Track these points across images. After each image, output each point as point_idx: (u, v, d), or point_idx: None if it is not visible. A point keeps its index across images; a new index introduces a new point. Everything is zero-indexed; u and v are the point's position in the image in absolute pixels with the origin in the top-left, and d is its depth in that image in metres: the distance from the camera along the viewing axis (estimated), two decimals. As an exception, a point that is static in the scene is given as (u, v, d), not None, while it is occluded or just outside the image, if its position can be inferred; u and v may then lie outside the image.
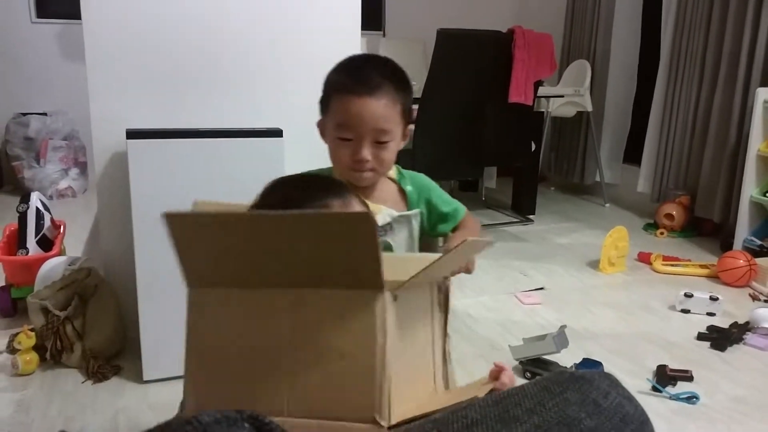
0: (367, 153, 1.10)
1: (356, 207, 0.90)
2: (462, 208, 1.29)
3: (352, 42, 1.84)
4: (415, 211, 1.22)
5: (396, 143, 1.14)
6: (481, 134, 2.98)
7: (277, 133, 1.64)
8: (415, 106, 2.80)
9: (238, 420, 0.33)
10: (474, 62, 2.90)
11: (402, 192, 1.23)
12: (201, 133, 1.59)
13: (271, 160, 1.62)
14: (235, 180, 1.49)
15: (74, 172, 4.07)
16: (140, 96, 1.69)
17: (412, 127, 1.26)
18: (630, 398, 0.62)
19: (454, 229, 1.27)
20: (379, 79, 1.10)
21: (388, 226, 1.18)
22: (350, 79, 1.10)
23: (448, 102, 2.87)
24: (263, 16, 1.77)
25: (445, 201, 1.27)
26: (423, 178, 1.29)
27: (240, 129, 1.66)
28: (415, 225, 1.21)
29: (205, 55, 1.73)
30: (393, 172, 1.23)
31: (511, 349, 1.78)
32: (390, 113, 1.10)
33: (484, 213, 3.69)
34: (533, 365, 1.74)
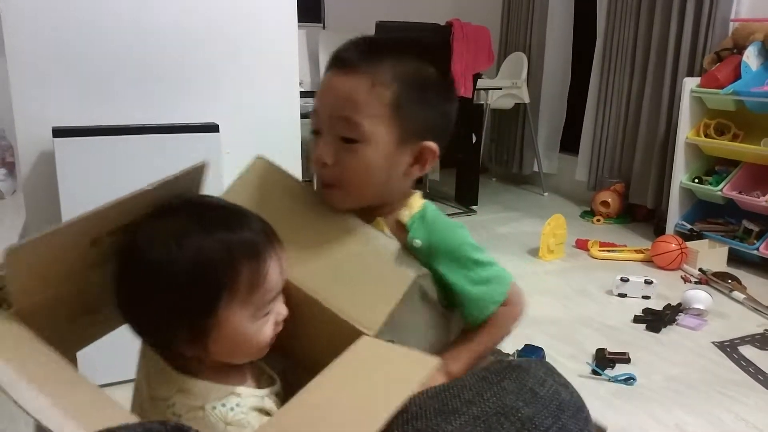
0: (324, 152, 0.79)
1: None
2: (496, 298, 0.85)
3: (288, 34, 1.81)
4: (423, 270, 0.82)
5: (378, 152, 0.78)
6: (422, 127, 2.99)
7: (212, 128, 1.60)
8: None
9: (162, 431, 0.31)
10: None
11: (405, 243, 0.82)
12: (132, 129, 1.54)
13: (207, 156, 1.57)
14: (170, 178, 1.44)
15: (1, 172, 3.88)
16: (67, 92, 1.61)
17: (433, 147, 0.82)
18: (566, 385, 0.63)
19: (473, 325, 0.86)
20: (369, 54, 0.80)
21: None
22: (333, 54, 0.82)
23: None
24: (195, 8, 1.72)
25: (476, 280, 0.83)
26: (447, 232, 0.84)
27: (173, 125, 1.61)
28: (428, 288, 0.83)
29: (135, 49, 1.66)
30: (405, 213, 0.84)
31: (456, 339, 1.80)
32: (364, 99, 0.77)
33: (428, 205, 3.71)
34: (477, 354, 1.76)
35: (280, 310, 0.71)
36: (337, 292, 0.73)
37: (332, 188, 0.80)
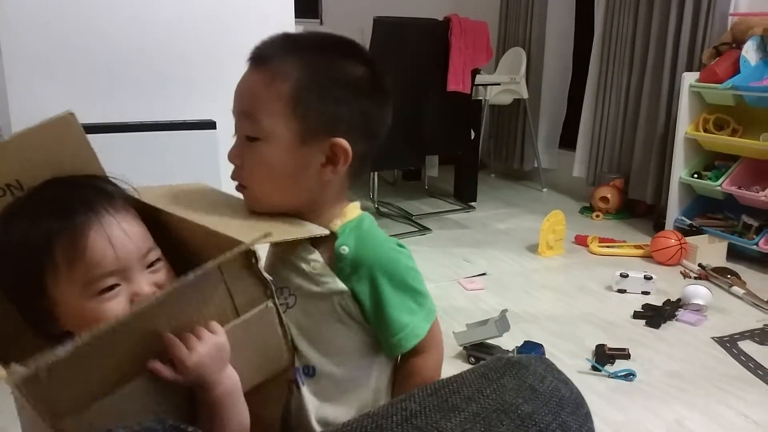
0: (233, 152, 0.78)
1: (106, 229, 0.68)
2: (418, 332, 0.79)
3: (285, 30, 1.80)
4: (340, 286, 0.77)
5: (278, 149, 0.75)
6: (421, 123, 2.98)
7: (209, 125, 1.60)
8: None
9: (159, 431, 0.31)
10: (412, 51, 2.90)
11: (333, 252, 0.78)
12: (129, 127, 1.53)
13: (205, 153, 1.57)
14: (168, 175, 1.43)
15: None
16: (63, 89, 1.60)
17: (343, 144, 0.76)
18: (566, 381, 0.63)
19: (399, 367, 0.83)
20: (281, 49, 0.78)
21: (288, 294, 0.80)
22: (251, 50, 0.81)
23: (387, 91, 2.85)
24: (192, 5, 1.71)
25: (402, 306, 0.78)
26: (384, 248, 0.80)
27: (171, 122, 1.60)
28: (348, 307, 0.78)
29: (132, 46, 1.66)
30: (336, 222, 0.80)
31: (455, 336, 1.80)
32: (264, 95, 0.75)
33: (428, 201, 3.71)
34: (477, 350, 1.76)
35: (137, 288, 0.69)
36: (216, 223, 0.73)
37: (243, 189, 0.79)
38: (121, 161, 1.50)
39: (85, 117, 1.60)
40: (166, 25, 1.69)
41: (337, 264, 0.77)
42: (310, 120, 0.75)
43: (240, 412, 0.68)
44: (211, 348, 0.65)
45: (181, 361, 0.63)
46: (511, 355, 0.67)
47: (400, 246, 0.82)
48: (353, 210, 0.82)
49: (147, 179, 1.55)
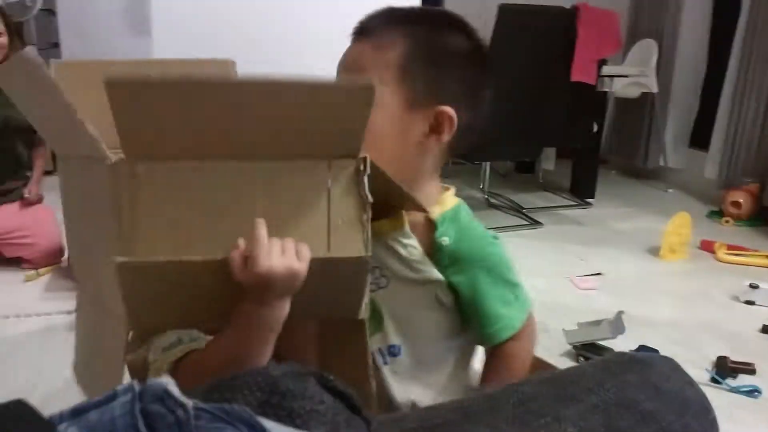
0: None
1: None
2: (514, 324, 0.81)
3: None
4: (438, 276, 0.78)
5: (384, 116, 0.73)
6: (541, 114, 2.91)
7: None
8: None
9: (305, 375, 0.34)
10: (536, 39, 2.83)
11: (432, 241, 0.79)
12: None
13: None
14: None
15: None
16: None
17: (449, 112, 0.76)
18: (691, 383, 0.61)
19: (485, 344, 0.84)
20: (385, 21, 0.78)
21: (379, 274, 0.79)
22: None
23: (507, 79, 2.81)
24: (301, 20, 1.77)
25: (499, 298, 0.80)
26: (483, 242, 0.81)
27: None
28: (442, 296, 0.80)
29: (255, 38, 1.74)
30: (435, 209, 0.79)
31: (565, 333, 1.76)
32: (369, 62, 0.75)
33: (541, 195, 3.62)
34: (587, 350, 1.71)
35: None
36: None
37: None
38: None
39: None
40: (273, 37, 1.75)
41: (435, 253, 0.78)
42: (417, 87, 0.75)
43: (265, 352, 0.63)
44: (288, 268, 0.61)
45: (254, 259, 0.60)
46: (633, 352, 0.65)
47: (495, 238, 0.83)
48: (450, 198, 0.83)
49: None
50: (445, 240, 0.78)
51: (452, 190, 0.84)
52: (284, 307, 0.63)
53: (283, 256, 0.60)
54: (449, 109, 0.77)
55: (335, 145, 0.64)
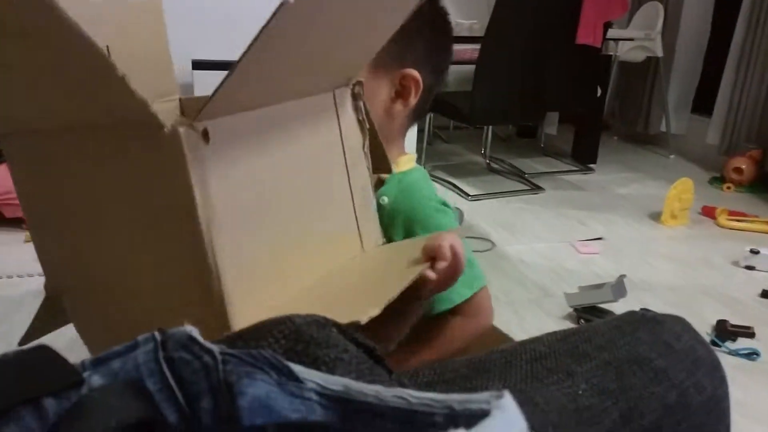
0: None
1: None
2: (452, 297, 0.76)
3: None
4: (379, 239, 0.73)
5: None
6: (545, 77, 2.88)
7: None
8: (477, 46, 2.73)
9: (326, 324, 0.34)
10: (541, 0, 2.78)
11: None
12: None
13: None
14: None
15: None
16: (207, 26, 1.68)
17: (414, 74, 0.77)
18: (703, 342, 0.61)
19: (432, 311, 0.78)
20: None
21: None
22: None
23: (511, 42, 2.77)
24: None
25: None
26: (417, 202, 0.78)
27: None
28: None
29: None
30: (405, 158, 0.79)
31: (566, 296, 1.77)
32: None
33: (542, 160, 3.61)
34: (589, 313, 1.72)
35: None
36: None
37: None
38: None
39: (227, 54, 1.69)
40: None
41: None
42: (381, 51, 0.72)
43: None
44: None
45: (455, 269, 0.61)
46: (644, 311, 0.65)
47: (445, 206, 0.79)
48: (408, 161, 0.81)
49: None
50: (384, 199, 0.76)
51: (413, 156, 0.82)
52: None
53: (457, 259, 0.62)
54: (414, 72, 0.76)
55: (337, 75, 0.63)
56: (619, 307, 1.73)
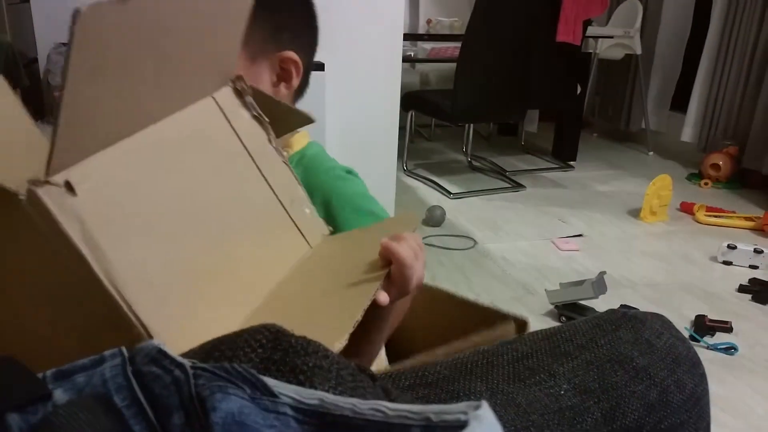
0: None
1: None
2: None
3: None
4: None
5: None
6: (526, 75, 2.89)
7: (318, 66, 1.62)
8: (458, 44, 2.73)
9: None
10: (521, -1, 2.79)
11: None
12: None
13: (311, 96, 1.60)
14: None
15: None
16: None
17: (293, 56, 0.76)
18: (683, 340, 0.61)
19: None
20: None
21: None
22: None
23: (492, 40, 2.78)
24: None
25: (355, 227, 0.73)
26: (323, 174, 0.78)
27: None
28: None
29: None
30: (286, 150, 0.75)
31: (548, 293, 1.78)
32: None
33: (523, 158, 3.63)
34: (569, 310, 1.73)
35: None
36: None
37: None
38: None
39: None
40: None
41: None
42: (255, 37, 0.71)
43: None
44: (421, 277, 0.58)
45: (407, 279, 0.55)
46: (624, 310, 0.65)
47: (348, 171, 0.79)
48: (302, 138, 0.81)
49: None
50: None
51: (306, 132, 0.81)
52: None
53: (419, 259, 0.56)
54: (293, 54, 0.76)
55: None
56: (599, 304, 1.74)
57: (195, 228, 0.50)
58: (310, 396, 0.25)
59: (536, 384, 0.53)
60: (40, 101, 4.48)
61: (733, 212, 2.70)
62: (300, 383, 0.28)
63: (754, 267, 2.14)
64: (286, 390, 0.26)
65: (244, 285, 0.53)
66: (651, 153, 3.81)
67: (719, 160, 3.16)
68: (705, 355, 1.59)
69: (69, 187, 0.41)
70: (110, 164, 0.45)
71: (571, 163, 3.48)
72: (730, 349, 1.61)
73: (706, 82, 3.44)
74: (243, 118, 0.60)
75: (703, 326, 1.71)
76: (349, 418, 0.24)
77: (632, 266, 2.16)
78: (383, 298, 0.53)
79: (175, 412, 0.26)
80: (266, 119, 0.62)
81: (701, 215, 2.64)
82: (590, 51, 3.42)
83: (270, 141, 0.62)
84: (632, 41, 3.62)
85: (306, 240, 0.63)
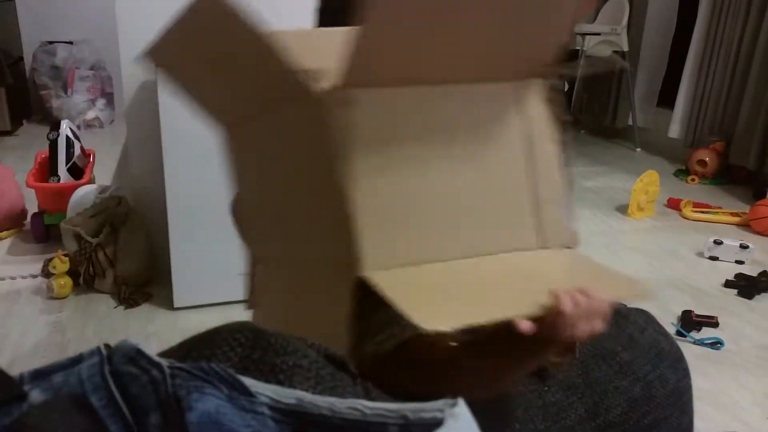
0: None
1: None
2: None
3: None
4: None
5: None
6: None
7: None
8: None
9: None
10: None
11: None
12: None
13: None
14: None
15: (101, 102, 4.08)
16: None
17: None
18: (666, 335, 0.62)
19: None
20: None
21: None
22: None
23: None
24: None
25: None
26: None
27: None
28: None
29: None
30: None
31: (536, 290, 1.78)
32: None
33: (512, 154, 3.63)
34: (557, 306, 1.74)
35: None
36: None
37: None
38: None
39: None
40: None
41: None
42: None
43: None
44: (591, 334, 0.54)
45: (557, 328, 0.54)
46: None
47: None
48: None
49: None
50: None
51: None
52: None
53: (587, 322, 0.54)
54: None
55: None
56: (587, 300, 1.75)
57: (431, 182, 0.59)
58: (287, 396, 0.25)
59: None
60: (27, 100, 4.44)
61: (720, 208, 2.72)
62: (279, 382, 0.28)
63: (740, 262, 2.16)
64: (263, 390, 0.26)
65: (446, 242, 0.60)
66: (638, 149, 3.83)
67: (706, 156, 3.19)
68: (691, 350, 1.61)
69: (349, 101, 0.54)
70: (390, 101, 0.56)
71: (560, 159, 3.49)
72: (716, 344, 1.63)
73: (693, 79, 3.46)
74: (539, 113, 0.66)
75: (690, 321, 1.72)
76: (327, 417, 0.24)
77: (619, 262, 2.17)
78: (525, 326, 0.53)
79: (151, 412, 0.25)
80: (563, 118, 0.68)
81: (688, 211, 2.66)
82: (577, 48, 3.43)
83: (557, 141, 0.68)
84: (619, 38, 3.64)
85: (538, 238, 0.67)
